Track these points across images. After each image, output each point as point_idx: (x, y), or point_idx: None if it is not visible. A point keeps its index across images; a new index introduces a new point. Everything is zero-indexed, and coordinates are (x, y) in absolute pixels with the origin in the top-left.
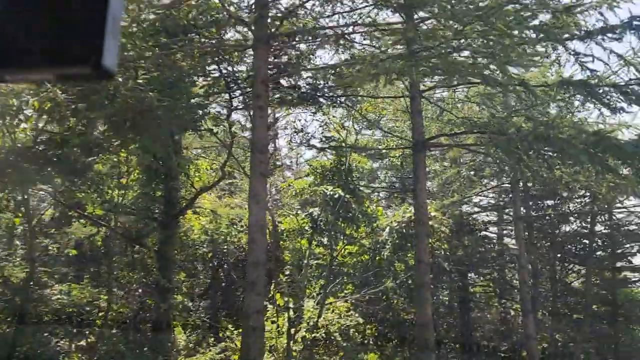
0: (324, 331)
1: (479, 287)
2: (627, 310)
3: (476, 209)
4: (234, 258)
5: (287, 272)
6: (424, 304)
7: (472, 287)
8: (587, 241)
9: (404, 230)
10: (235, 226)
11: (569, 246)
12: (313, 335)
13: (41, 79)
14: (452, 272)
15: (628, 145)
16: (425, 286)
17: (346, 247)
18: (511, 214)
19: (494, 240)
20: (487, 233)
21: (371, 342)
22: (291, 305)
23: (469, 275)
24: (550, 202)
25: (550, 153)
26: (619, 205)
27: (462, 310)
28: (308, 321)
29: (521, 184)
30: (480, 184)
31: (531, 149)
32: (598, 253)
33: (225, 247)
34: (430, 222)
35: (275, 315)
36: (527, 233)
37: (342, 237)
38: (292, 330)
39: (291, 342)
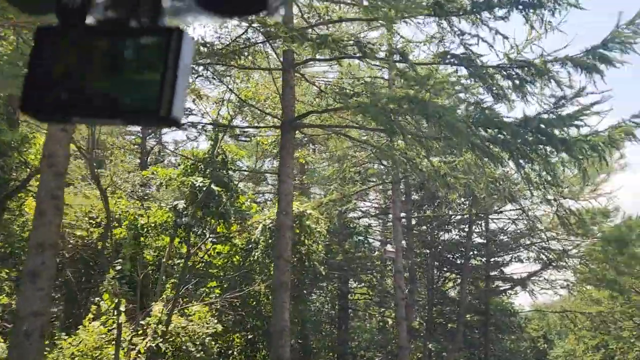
0: (173, 340)
1: (358, 295)
2: (498, 320)
3: (359, 213)
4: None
5: (119, 268)
6: (281, 307)
7: (352, 294)
8: (463, 249)
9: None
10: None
11: (447, 254)
12: (157, 344)
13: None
14: (331, 277)
15: (511, 125)
16: (284, 287)
17: (215, 246)
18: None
19: (375, 245)
20: (370, 238)
21: (236, 352)
22: (123, 307)
23: (350, 281)
24: (430, 210)
25: (425, 120)
26: (494, 216)
27: (340, 318)
28: (155, 328)
29: (402, 186)
30: (362, 184)
31: (404, 113)
32: (473, 262)
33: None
34: (307, 222)
35: (106, 319)
36: (406, 238)
37: (210, 235)
38: (135, 338)
39: (120, 350)
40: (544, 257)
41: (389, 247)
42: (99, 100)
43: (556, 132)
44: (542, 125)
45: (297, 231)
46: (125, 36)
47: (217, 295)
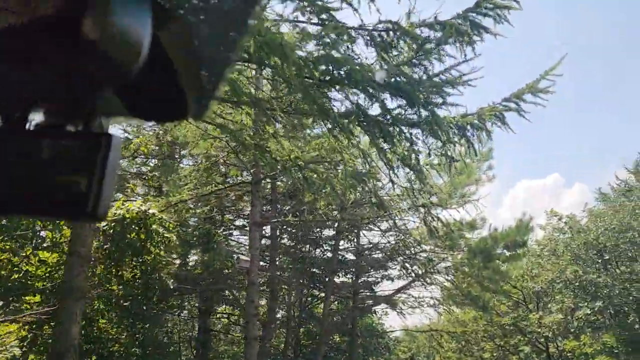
0: None
1: (222, 314)
2: (366, 341)
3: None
4: None
5: None
6: (68, 320)
7: (215, 314)
8: (332, 265)
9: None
10: None
11: (316, 270)
12: None
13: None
14: (189, 294)
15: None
16: (76, 294)
17: (40, 252)
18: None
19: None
20: (236, 249)
21: None
22: None
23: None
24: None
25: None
26: (366, 232)
27: (200, 341)
28: None
29: (270, 189)
30: (217, 181)
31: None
32: (343, 279)
33: None
34: (154, 225)
35: None
36: (270, 250)
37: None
38: None
39: None
40: (410, 269)
41: (242, 257)
42: (30, 197)
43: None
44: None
45: (142, 236)
46: (59, 139)
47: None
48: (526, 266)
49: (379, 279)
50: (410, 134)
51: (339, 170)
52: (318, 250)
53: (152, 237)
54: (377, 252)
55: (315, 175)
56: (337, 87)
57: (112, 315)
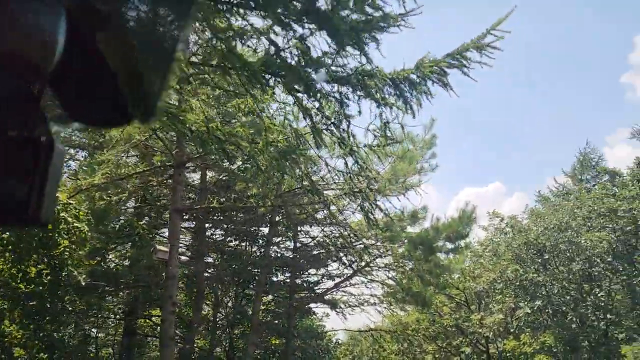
0: None
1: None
2: (304, 343)
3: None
4: None
5: None
6: None
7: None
8: (265, 262)
9: None
10: None
11: (252, 268)
12: None
13: None
14: (104, 291)
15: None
16: None
17: None
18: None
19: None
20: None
21: None
22: None
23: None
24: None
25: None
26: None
27: (125, 346)
28: None
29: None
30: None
31: None
32: (280, 277)
33: None
34: (62, 214)
35: None
36: (196, 242)
37: None
38: None
39: None
40: (348, 263)
41: (160, 247)
42: None
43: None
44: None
45: (49, 227)
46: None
47: None
48: (468, 267)
49: (320, 279)
50: (340, 93)
51: (262, 143)
52: (253, 247)
53: (60, 228)
54: (316, 248)
55: (236, 148)
56: (242, 11)
57: (15, 316)
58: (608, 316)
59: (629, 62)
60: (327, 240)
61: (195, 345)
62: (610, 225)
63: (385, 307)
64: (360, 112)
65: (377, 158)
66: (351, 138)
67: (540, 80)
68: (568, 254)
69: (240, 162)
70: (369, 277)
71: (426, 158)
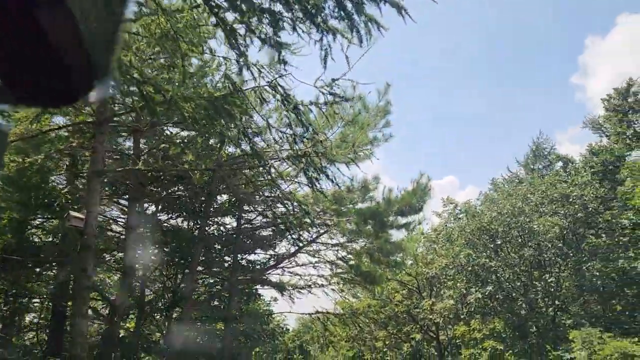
0: None
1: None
2: (249, 327)
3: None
4: None
5: None
6: None
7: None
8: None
9: None
10: None
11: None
12: None
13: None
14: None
15: None
16: None
17: None
18: None
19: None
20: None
21: None
22: None
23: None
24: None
25: None
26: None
27: (53, 324)
28: None
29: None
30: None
31: None
32: (221, 258)
33: None
34: None
35: None
36: (125, 213)
37: None
38: None
39: None
40: (293, 238)
41: (74, 214)
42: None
43: None
44: None
45: None
46: None
47: None
48: (421, 253)
49: (267, 260)
50: (272, 12)
51: (179, 75)
52: (192, 223)
53: None
54: (261, 228)
55: (155, 90)
56: None
57: None
58: (556, 302)
59: (579, 63)
60: (272, 215)
61: (126, 327)
62: (562, 211)
63: (333, 290)
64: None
65: (325, 119)
66: (291, 89)
67: (496, 77)
68: (520, 240)
69: (163, 110)
70: (317, 257)
71: (379, 127)
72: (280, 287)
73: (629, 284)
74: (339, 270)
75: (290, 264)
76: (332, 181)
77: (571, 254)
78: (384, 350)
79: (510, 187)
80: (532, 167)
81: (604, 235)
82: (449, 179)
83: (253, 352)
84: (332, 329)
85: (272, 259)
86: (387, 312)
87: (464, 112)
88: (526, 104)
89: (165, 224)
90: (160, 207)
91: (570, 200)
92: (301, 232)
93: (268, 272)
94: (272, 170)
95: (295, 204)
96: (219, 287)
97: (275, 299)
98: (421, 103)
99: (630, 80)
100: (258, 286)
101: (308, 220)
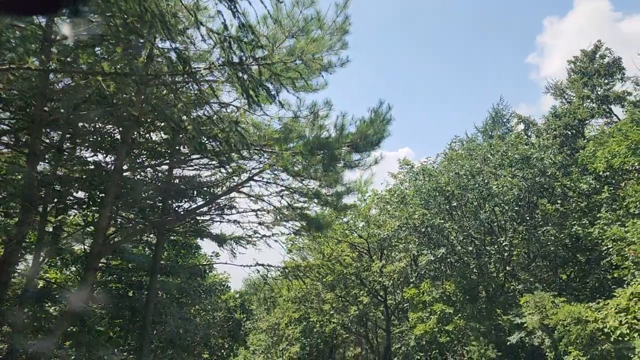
0: None
1: None
2: (185, 284)
3: None
4: None
5: None
6: None
7: None
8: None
9: None
10: None
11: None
12: None
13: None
14: None
15: None
16: None
17: None
18: None
19: None
20: None
21: None
22: None
23: None
24: None
25: None
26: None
27: None
28: None
29: None
30: None
31: None
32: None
33: None
34: None
35: None
36: None
37: None
38: None
39: None
40: (228, 174)
41: None
42: None
43: None
44: None
45: None
46: None
47: None
48: (374, 216)
49: (202, 205)
50: None
51: None
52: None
53: None
54: (191, 159)
55: None
56: None
57: None
58: (507, 268)
59: (536, 43)
60: (202, 141)
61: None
62: (521, 174)
63: (276, 241)
64: None
65: (274, 23)
66: None
67: (453, 51)
68: (476, 203)
69: None
70: (259, 202)
71: (335, 48)
72: (219, 239)
73: (582, 250)
74: (284, 214)
75: (230, 210)
76: (274, 98)
77: (527, 218)
78: (331, 312)
79: (470, 146)
80: (490, 133)
81: (559, 202)
82: (404, 150)
83: (192, 309)
84: (274, 285)
85: (210, 205)
86: (335, 275)
87: (419, 85)
88: (481, 82)
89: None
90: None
91: (531, 162)
92: (238, 164)
93: (203, 218)
94: (205, 86)
95: (230, 126)
96: (145, 234)
97: (217, 254)
98: (381, 72)
99: (599, 43)
100: (195, 238)
101: (245, 153)
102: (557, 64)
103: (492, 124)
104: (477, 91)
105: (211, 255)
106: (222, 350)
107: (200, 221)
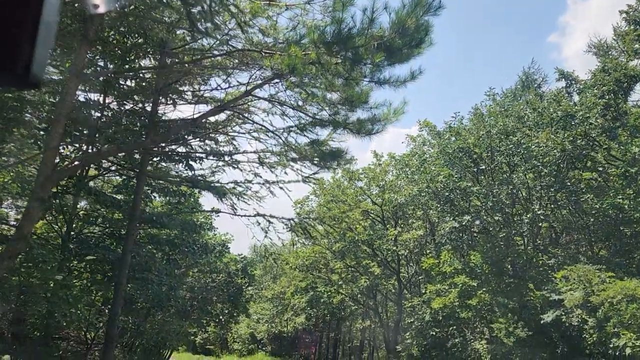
0: None
1: None
2: (186, 239)
3: None
4: None
5: None
6: None
7: None
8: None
9: None
10: None
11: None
12: None
13: None
14: None
15: None
16: None
17: None
18: None
19: None
20: None
21: None
22: None
23: None
24: None
25: None
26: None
27: None
28: None
29: None
30: None
31: None
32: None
33: None
34: None
35: None
36: None
37: None
38: None
39: None
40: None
41: None
42: None
43: None
44: None
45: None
46: None
47: None
48: (391, 180)
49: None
50: None
51: None
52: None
53: None
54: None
55: None
56: None
57: None
58: (537, 241)
59: (558, 23)
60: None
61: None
62: (562, 135)
63: (281, 188)
64: None
65: None
66: None
67: (475, 32)
68: (506, 167)
69: None
70: (256, 127)
71: None
72: (218, 192)
73: (625, 222)
74: (291, 148)
75: (224, 128)
76: None
77: (568, 184)
78: (339, 283)
79: (504, 102)
80: (519, 99)
81: (600, 169)
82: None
83: (188, 271)
84: (280, 248)
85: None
86: (346, 242)
87: (444, 59)
88: (501, 59)
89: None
90: None
91: (576, 121)
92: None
93: (187, 133)
94: None
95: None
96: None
97: (217, 211)
98: None
99: None
100: (193, 190)
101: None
102: (578, 45)
103: (522, 89)
104: (495, 68)
105: (210, 211)
106: (221, 317)
107: (189, 154)
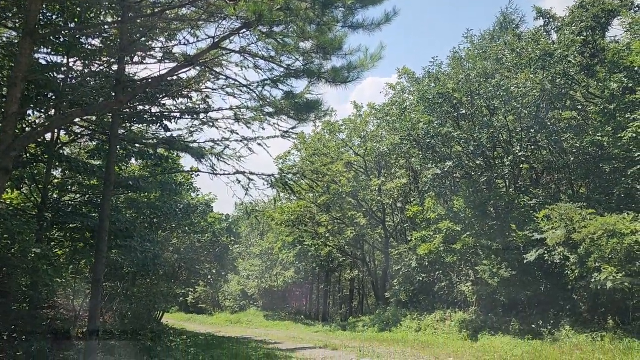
0: None
1: None
2: (159, 200)
3: None
4: None
5: None
6: None
7: None
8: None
9: None
10: None
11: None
12: None
13: None
14: None
15: None
16: None
17: None
18: None
19: None
20: None
21: None
22: None
23: None
24: None
25: None
26: None
27: None
28: None
29: None
30: None
31: None
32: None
33: None
34: None
35: None
36: None
37: None
38: None
39: None
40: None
41: None
42: None
43: None
44: None
45: None
46: None
47: None
48: (373, 131)
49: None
50: None
51: None
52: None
53: None
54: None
55: None
56: None
57: None
58: (519, 183)
59: None
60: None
61: None
62: (541, 75)
63: (260, 145)
64: None
65: None
66: None
67: None
68: (485, 110)
69: None
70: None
71: None
72: (197, 153)
73: (605, 159)
74: (266, 103)
75: (197, 85)
76: None
77: (549, 124)
78: (326, 235)
79: (482, 45)
80: (498, 40)
81: (580, 107)
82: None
83: (172, 233)
84: (264, 205)
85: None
86: (330, 195)
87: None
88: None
89: None
90: None
91: (555, 60)
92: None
93: (158, 92)
94: None
95: None
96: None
97: (196, 170)
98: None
99: None
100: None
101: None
102: None
103: (500, 30)
104: (474, 13)
105: (189, 171)
106: (210, 277)
107: (162, 114)
